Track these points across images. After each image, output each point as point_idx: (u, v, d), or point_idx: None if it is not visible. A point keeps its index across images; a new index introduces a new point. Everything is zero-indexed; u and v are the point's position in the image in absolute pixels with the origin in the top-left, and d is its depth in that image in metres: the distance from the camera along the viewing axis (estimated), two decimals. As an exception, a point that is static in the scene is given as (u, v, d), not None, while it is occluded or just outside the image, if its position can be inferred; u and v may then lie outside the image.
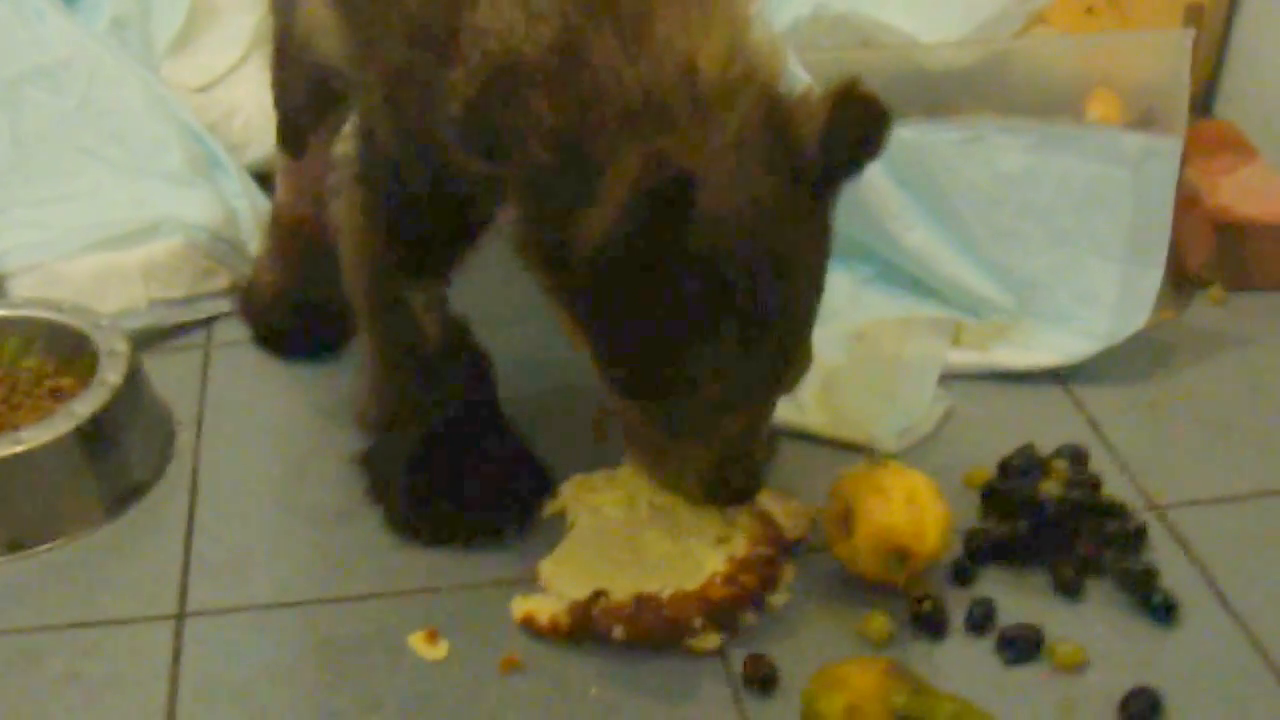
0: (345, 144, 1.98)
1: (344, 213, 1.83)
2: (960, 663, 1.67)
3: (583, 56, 1.47)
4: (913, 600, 1.71)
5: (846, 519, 1.71)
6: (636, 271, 1.44)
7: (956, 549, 1.78)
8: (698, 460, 1.63)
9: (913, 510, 1.69)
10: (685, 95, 1.47)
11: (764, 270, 1.49)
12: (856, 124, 1.50)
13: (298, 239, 2.18)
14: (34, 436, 1.85)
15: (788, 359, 1.57)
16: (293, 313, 2.19)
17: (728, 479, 1.64)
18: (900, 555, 1.69)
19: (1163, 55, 2.21)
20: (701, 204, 1.42)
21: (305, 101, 2.09)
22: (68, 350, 2.04)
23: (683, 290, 1.46)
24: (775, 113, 1.51)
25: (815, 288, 1.58)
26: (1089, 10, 2.80)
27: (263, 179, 2.43)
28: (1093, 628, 1.70)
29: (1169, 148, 2.11)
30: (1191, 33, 2.20)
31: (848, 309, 2.22)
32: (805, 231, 1.54)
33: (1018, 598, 1.74)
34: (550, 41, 1.48)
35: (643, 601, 1.66)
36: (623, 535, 1.80)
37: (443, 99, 1.54)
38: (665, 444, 1.63)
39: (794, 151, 1.50)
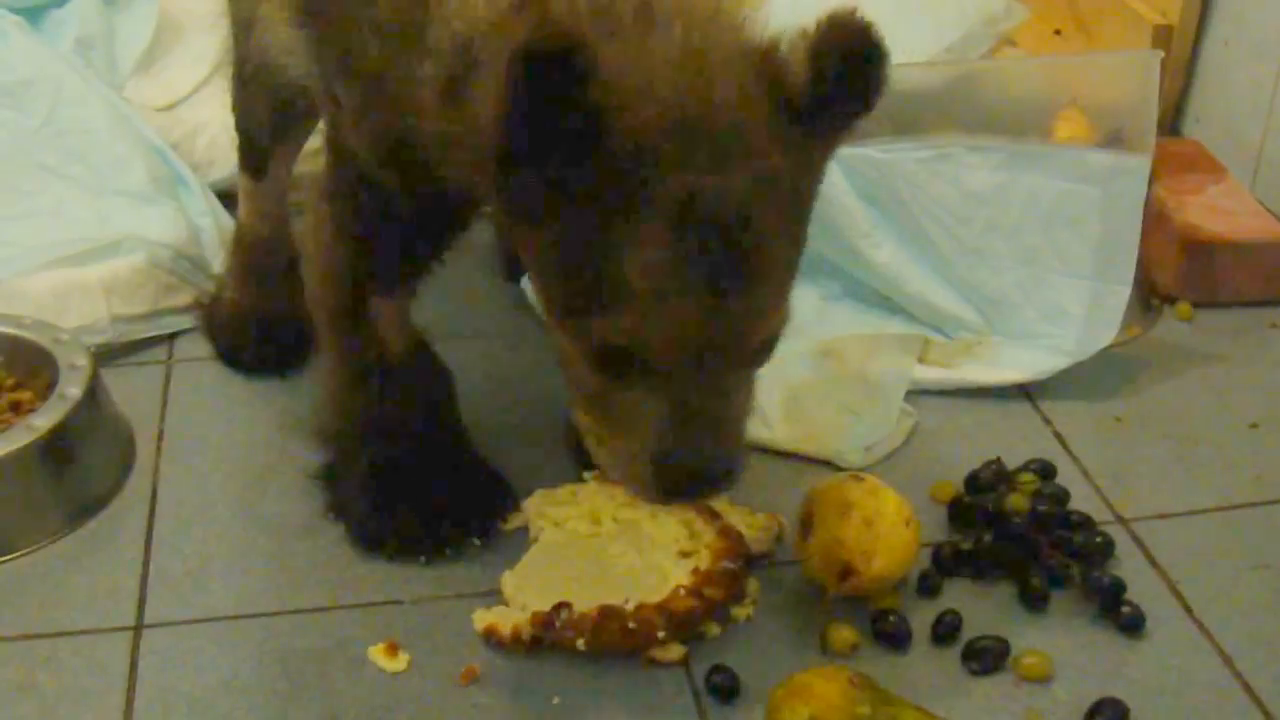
0: (306, 164, 1.96)
1: (309, 230, 1.82)
2: (926, 674, 1.66)
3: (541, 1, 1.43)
4: (875, 615, 1.71)
5: (808, 523, 1.70)
6: (544, 157, 1.38)
7: (924, 562, 1.77)
8: (650, 436, 1.50)
9: (868, 531, 1.68)
10: (635, 16, 1.41)
11: (709, 175, 1.39)
12: (847, 50, 1.40)
13: (260, 258, 2.17)
14: (-7, 449, 1.84)
15: (739, 281, 1.43)
16: (254, 330, 2.19)
17: (677, 451, 1.50)
18: (844, 572, 1.68)
19: (1131, 76, 2.21)
20: (633, 101, 1.36)
21: (266, 123, 2.08)
22: (28, 364, 2.02)
23: (604, 187, 1.38)
24: (755, 39, 1.44)
25: (787, 220, 1.48)
26: (1057, 32, 2.82)
27: (227, 197, 2.42)
28: (1059, 639, 1.70)
29: (1137, 166, 2.11)
30: (1159, 54, 2.20)
31: (815, 325, 2.21)
32: (783, 154, 1.44)
33: (984, 609, 1.74)
34: (510, 2, 1.45)
35: (606, 613, 1.64)
36: (587, 549, 1.79)
37: (417, 94, 1.52)
38: (619, 420, 1.53)
39: (778, 73, 1.42)
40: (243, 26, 2.00)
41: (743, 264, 1.42)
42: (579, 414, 1.58)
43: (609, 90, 1.35)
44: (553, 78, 1.31)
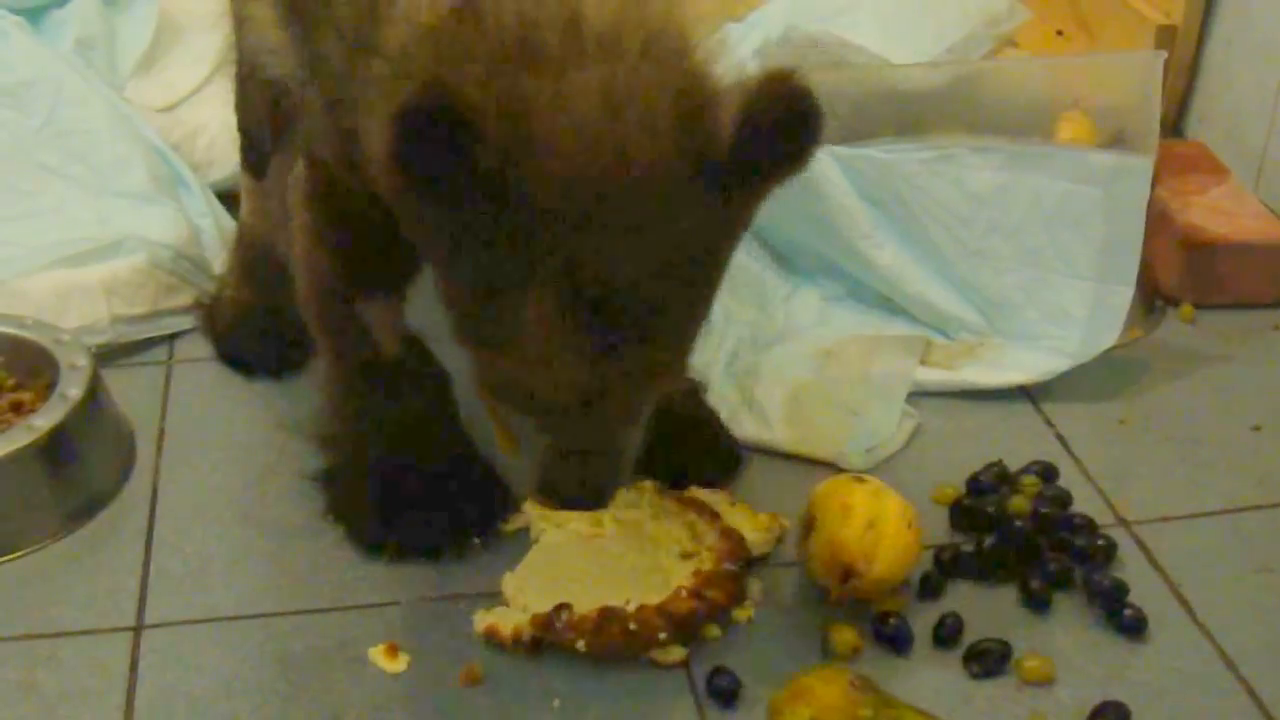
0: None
1: (295, 234, 1.81)
2: (927, 676, 1.65)
3: (476, 8, 1.40)
4: (876, 617, 1.70)
5: (810, 524, 1.70)
6: (434, 202, 1.36)
7: (926, 564, 1.77)
8: (541, 451, 1.54)
9: (870, 534, 1.67)
10: (561, 40, 1.37)
11: (609, 237, 1.36)
12: (779, 114, 1.35)
13: (260, 258, 2.17)
14: (-7, 449, 1.84)
15: (633, 344, 1.41)
16: (255, 330, 2.19)
17: (557, 479, 1.54)
18: (845, 573, 1.67)
19: (1134, 77, 2.21)
20: (536, 153, 1.33)
21: (265, 122, 2.07)
22: (29, 365, 2.02)
23: (497, 238, 1.36)
24: (687, 87, 1.39)
25: (694, 283, 1.45)
26: (1059, 32, 2.81)
27: (227, 198, 2.43)
28: (1061, 642, 1.69)
29: (1140, 166, 2.10)
30: (1163, 54, 2.20)
31: (817, 326, 2.21)
32: (697, 217, 1.39)
33: (986, 612, 1.73)
34: (450, 4, 1.41)
35: (607, 614, 1.64)
36: (588, 550, 1.79)
37: (367, 95, 1.51)
38: (509, 423, 1.57)
39: (703, 132, 1.37)
40: (238, 25, 1.99)
41: (633, 331, 1.40)
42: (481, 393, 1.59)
43: (511, 140, 1.32)
44: (436, 140, 1.30)
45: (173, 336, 2.27)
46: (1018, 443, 2.01)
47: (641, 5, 1.41)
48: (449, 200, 1.35)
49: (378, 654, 1.68)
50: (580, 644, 1.64)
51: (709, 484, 1.88)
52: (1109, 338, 2.09)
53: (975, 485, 1.90)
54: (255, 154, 2.14)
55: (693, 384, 1.96)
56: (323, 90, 1.63)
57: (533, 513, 1.84)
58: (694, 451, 1.92)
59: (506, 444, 1.66)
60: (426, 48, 1.41)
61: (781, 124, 1.36)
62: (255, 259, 2.18)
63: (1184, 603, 1.75)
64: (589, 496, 1.55)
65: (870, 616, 1.70)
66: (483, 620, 1.69)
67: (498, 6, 1.39)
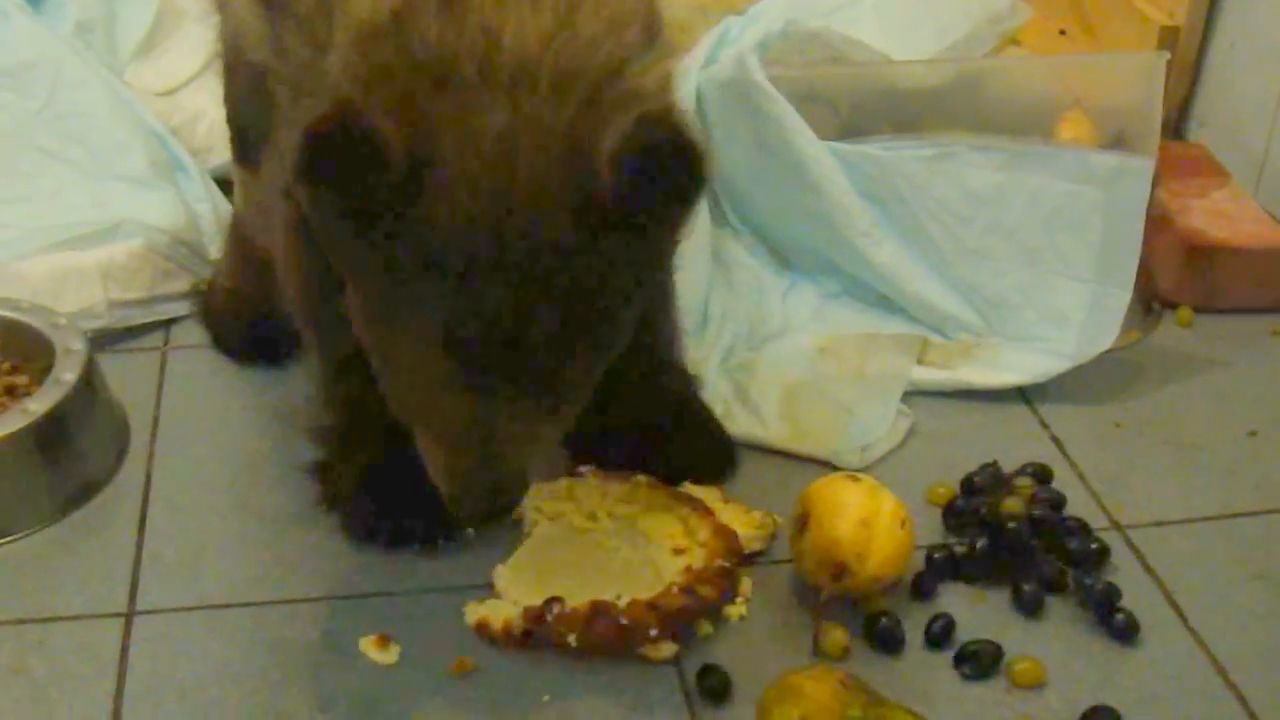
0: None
1: (277, 227, 1.81)
2: (918, 677, 1.65)
3: (405, 22, 1.40)
4: (867, 617, 1.70)
5: (804, 521, 1.70)
6: (337, 220, 1.38)
7: (918, 564, 1.76)
8: (433, 468, 1.58)
9: (863, 532, 1.67)
10: (477, 71, 1.37)
11: (492, 282, 1.37)
12: (651, 153, 1.34)
13: (254, 248, 2.15)
14: (-12, 433, 1.84)
15: (516, 388, 1.44)
16: (249, 318, 2.18)
17: (456, 489, 1.56)
18: (838, 571, 1.67)
19: (1136, 78, 2.21)
20: (430, 188, 1.34)
21: (253, 114, 2.06)
22: (25, 348, 2.02)
23: (393, 264, 1.38)
24: (581, 128, 1.38)
25: (582, 329, 1.44)
26: (1062, 32, 2.81)
27: (225, 183, 2.41)
28: (1052, 646, 1.69)
29: (1140, 168, 2.10)
30: (1165, 55, 2.20)
31: (813, 323, 2.21)
32: (582, 262, 1.40)
33: (978, 614, 1.73)
34: (389, 9, 1.41)
35: (598, 608, 1.64)
36: (581, 543, 1.79)
37: (321, 88, 1.50)
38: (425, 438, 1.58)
39: (588, 175, 1.37)
40: (220, 8, 1.98)
41: (515, 375, 1.42)
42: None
43: (410, 175, 1.34)
44: (341, 161, 1.31)
45: (169, 322, 2.27)
46: (1013, 444, 2.01)
47: (570, 39, 1.41)
48: (352, 223, 1.37)
49: (369, 645, 1.68)
50: (571, 638, 1.63)
51: (702, 481, 1.88)
52: (1106, 340, 2.09)
53: (969, 486, 1.90)
54: (246, 146, 2.12)
55: (687, 379, 1.96)
56: (289, 83, 1.63)
57: (527, 505, 1.83)
58: (688, 448, 1.92)
59: None
60: (357, 57, 1.41)
61: (659, 162, 1.34)
62: (249, 250, 2.16)
63: (1176, 608, 1.75)
64: (485, 509, 1.58)
65: (862, 616, 1.70)
66: (474, 613, 1.69)
67: (423, 28, 1.40)
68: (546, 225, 1.37)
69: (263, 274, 2.11)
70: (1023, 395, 2.10)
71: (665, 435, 1.89)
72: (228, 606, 1.75)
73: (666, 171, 1.35)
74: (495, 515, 1.60)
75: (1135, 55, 2.48)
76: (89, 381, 1.95)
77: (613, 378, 1.57)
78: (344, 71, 1.43)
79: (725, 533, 1.75)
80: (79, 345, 1.97)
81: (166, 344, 2.23)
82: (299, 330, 1.95)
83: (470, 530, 1.82)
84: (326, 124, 1.30)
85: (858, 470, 1.88)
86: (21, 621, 1.72)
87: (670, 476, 1.87)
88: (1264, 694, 1.64)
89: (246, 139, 2.11)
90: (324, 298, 1.76)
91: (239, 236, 2.21)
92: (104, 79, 2.53)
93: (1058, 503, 1.87)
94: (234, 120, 2.13)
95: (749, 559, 1.78)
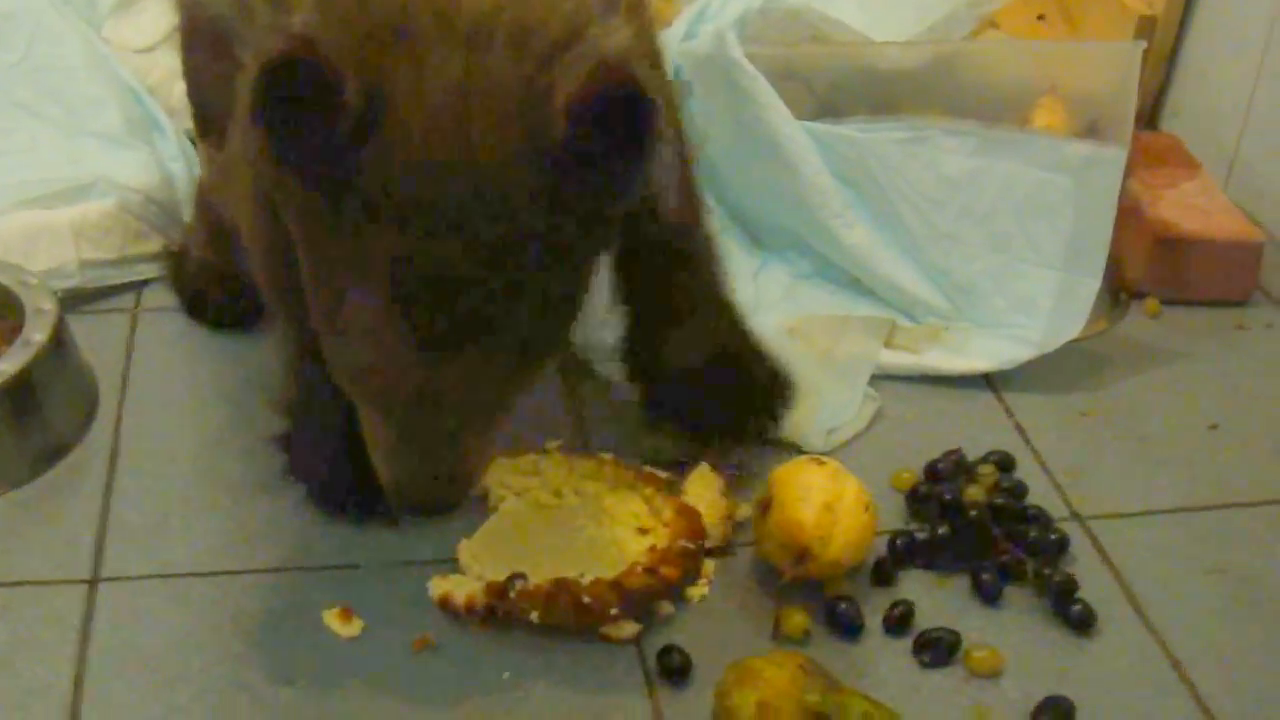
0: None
1: (240, 197, 1.79)
2: (876, 663, 1.66)
3: None
4: (828, 601, 1.71)
5: (767, 504, 1.71)
6: (288, 170, 1.36)
7: (879, 550, 1.77)
8: (379, 454, 1.56)
9: (826, 516, 1.68)
10: (434, 25, 1.36)
11: (443, 232, 1.35)
12: (605, 102, 1.33)
13: (220, 218, 2.14)
14: (-45, 392, 1.83)
15: (468, 346, 1.41)
16: (218, 284, 2.18)
17: (400, 477, 1.55)
18: (800, 554, 1.68)
19: (1112, 66, 2.21)
20: (383, 138, 1.33)
21: (215, 84, 2.04)
22: (-7, 307, 2.01)
23: (338, 221, 1.37)
24: (535, 76, 1.36)
25: (538, 282, 1.42)
26: (1040, 17, 2.81)
27: (200, 144, 2.41)
28: (1010, 634, 1.70)
29: (1113, 157, 2.11)
30: (1142, 44, 2.20)
31: (782, 304, 2.22)
32: (537, 212, 1.38)
33: (937, 601, 1.74)
34: None
35: (560, 586, 1.64)
36: (546, 520, 1.79)
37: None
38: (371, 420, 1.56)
39: (542, 122, 1.35)
40: None
41: (469, 332, 1.40)
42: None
43: (365, 114, 1.32)
44: (296, 96, 1.29)
45: (140, 284, 2.26)
46: (977, 430, 2.02)
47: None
48: (303, 173, 1.35)
49: (332, 617, 1.68)
50: (533, 615, 1.64)
51: (762, 414, 1.93)
52: (1073, 329, 2.10)
53: (933, 472, 1.91)
54: (207, 122, 2.11)
55: (739, 316, 1.96)
56: (253, 45, 1.62)
57: (492, 479, 1.84)
58: (749, 386, 1.95)
59: None
60: (317, 15, 1.39)
61: (613, 111, 1.33)
62: (217, 221, 2.15)
63: (1133, 600, 1.76)
64: (430, 499, 1.57)
65: (823, 601, 1.71)
66: (438, 587, 1.70)
67: None
68: (499, 173, 1.36)
69: (231, 244, 2.11)
70: (988, 382, 2.11)
71: (727, 374, 1.92)
72: (192, 575, 1.75)
73: (619, 120, 1.34)
74: (439, 510, 1.60)
75: (1111, 44, 2.49)
76: (59, 342, 1.94)
77: (665, 321, 1.67)
78: (303, 26, 1.39)
79: (689, 513, 1.76)
80: (49, 305, 1.96)
81: (138, 306, 2.22)
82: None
83: None
84: (282, 58, 1.28)
85: (823, 454, 1.88)
86: (-14, 585, 1.73)
87: (733, 419, 1.93)
88: (1217, 688, 1.65)
89: (208, 114, 2.09)
90: (287, 267, 1.75)
91: (203, 211, 2.21)
92: (82, 33, 2.52)
93: (1019, 491, 1.88)
94: (194, 95, 2.12)
95: (710, 552, 1.78)
